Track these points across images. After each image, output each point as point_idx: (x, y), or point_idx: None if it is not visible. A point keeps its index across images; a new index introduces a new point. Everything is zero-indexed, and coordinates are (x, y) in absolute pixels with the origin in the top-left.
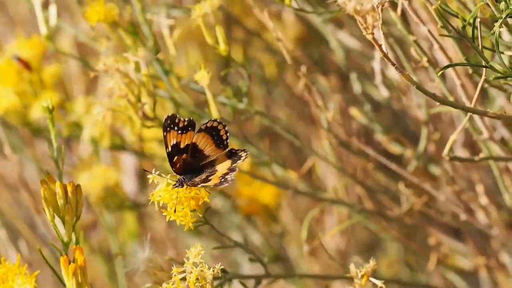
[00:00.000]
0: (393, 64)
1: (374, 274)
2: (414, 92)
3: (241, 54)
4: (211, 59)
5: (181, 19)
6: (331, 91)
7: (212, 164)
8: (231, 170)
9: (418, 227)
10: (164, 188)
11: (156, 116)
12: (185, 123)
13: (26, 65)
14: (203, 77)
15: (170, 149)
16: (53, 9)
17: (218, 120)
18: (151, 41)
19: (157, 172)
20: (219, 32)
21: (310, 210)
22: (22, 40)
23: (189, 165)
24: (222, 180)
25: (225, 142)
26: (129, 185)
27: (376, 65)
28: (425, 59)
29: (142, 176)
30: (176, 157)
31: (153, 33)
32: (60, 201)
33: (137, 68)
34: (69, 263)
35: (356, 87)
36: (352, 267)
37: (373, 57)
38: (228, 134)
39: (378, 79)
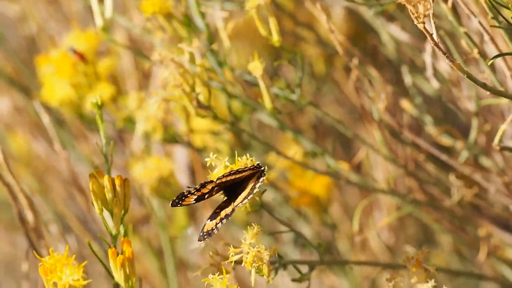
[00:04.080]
0: (444, 53)
1: (427, 262)
2: (464, 84)
3: (291, 47)
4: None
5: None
6: (382, 83)
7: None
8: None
9: (469, 218)
10: (222, 170)
11: (210, 106)
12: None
13: (81, 57)
14: (256, 67)
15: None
16: (108, 1)
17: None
18: (205, 32)
19: (215, 155)
20: (273, 23)
21: (359, 204)
22: (78, 33)
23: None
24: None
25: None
26: (181, 180)
27: (428, 57)
28: (475, 50)
29: (194, 171)
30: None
31: (207, 25)
32: (109, 195)
33: (192, 59)
34: (117, 255)
35: (407, 79)
36: (405, 253)
37: (424, 50)
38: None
39: (429, 71)
